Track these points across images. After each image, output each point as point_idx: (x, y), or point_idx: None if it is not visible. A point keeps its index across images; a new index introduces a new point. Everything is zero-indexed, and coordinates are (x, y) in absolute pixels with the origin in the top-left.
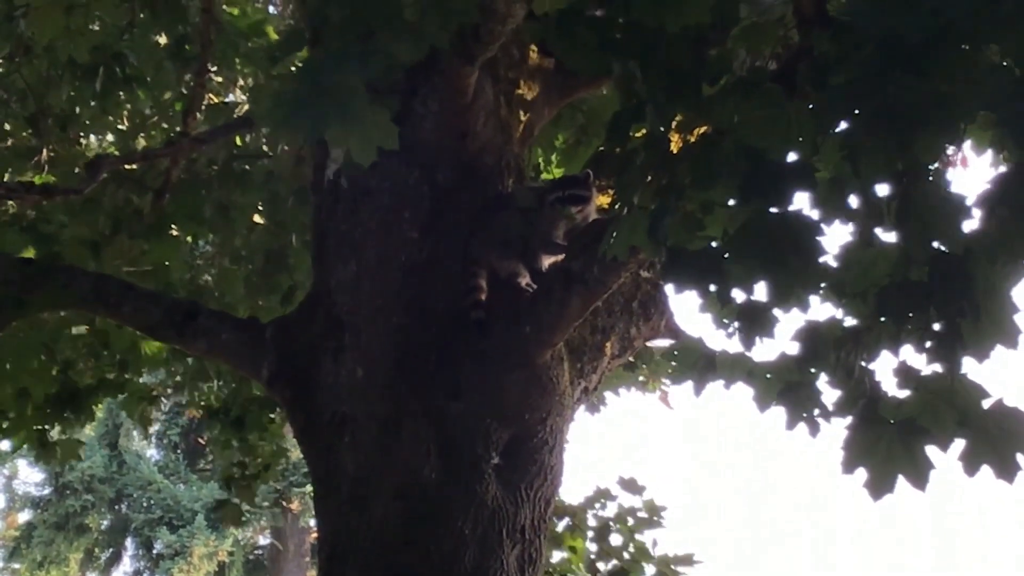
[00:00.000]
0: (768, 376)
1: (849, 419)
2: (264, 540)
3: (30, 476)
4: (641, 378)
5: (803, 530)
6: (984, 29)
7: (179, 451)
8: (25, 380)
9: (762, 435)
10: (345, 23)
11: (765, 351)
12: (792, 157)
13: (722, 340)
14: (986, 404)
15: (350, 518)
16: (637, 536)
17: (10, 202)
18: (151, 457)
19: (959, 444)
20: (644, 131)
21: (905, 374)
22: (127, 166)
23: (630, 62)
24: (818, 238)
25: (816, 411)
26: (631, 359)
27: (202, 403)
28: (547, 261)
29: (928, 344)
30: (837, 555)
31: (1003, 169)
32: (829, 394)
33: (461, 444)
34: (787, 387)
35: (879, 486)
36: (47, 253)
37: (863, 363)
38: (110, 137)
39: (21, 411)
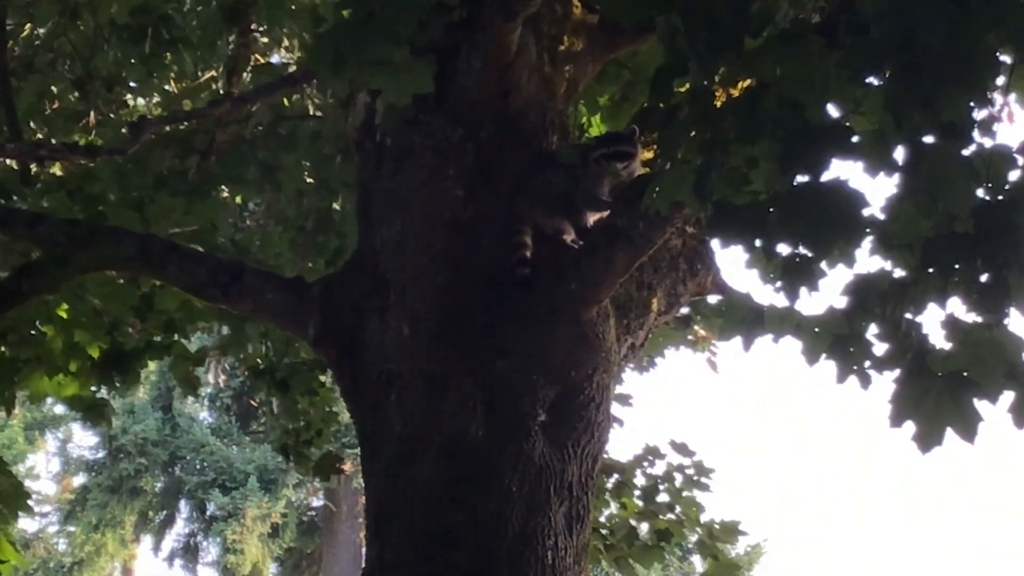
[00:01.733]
0: (816, 330)
1: (896, 373)
2: (317, 501)
3: (84, 440)
4: (690, 337)
5: (850, 488)
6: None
7: (232, 413)
8: (77, 335)
9: (812, 394)
10: None
11: (813, 305)
12: (832, 111)
13: (770, 295)
14: None
15: (397, 477)
16: (685, 494)
17: (56, 164)
18: (204, 420)
19: (1007, 396)
20: (687, 86)
21: (952, 326)
22: (172, 127)
23: (672, 14)
24: (862, 210)
25: (867, 363)
26: (684, 316)
27: (246, 364)
28: (592, 218)
29: (975, 296)
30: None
31: None
32: (879, 346)
33: (508, 401)
34: (837, 340)
35: (928, 439)
36: (93, 214)
37: (910, 316)
38: (157, 99)
39: (78, 366)
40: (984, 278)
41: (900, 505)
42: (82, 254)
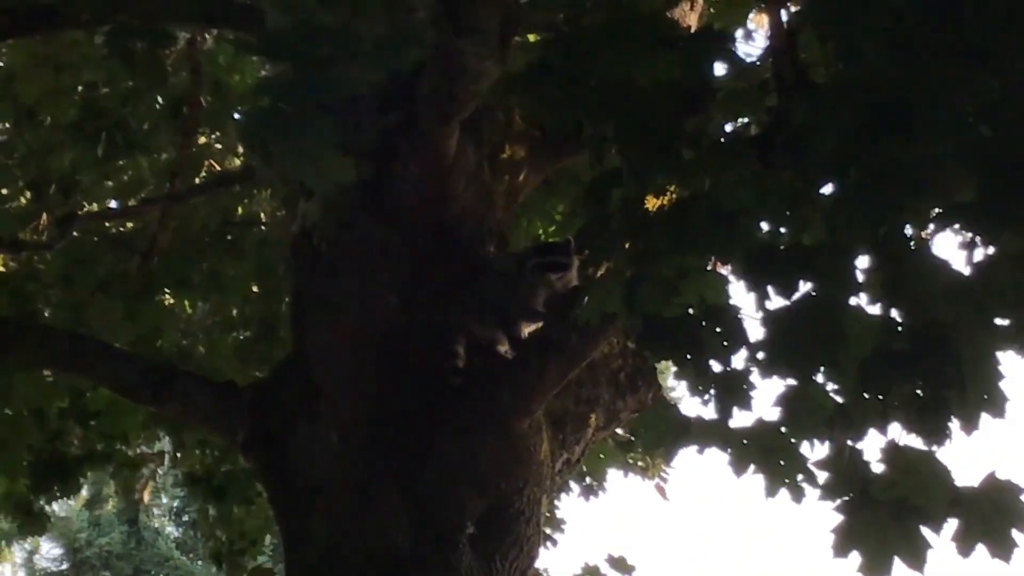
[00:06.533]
0: (745, 442)
1: (838, 502)
2: None
3: (50, 551)
4: (640, 464)
5: None
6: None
7: (197, 528)
8: (5, 433)
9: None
10: (300, 49)
11: (742, 417)
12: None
13: (697, 407)
14: (978, 479)
15: None
16: None
17: None
18: (170, 534)
19: (952, 523)
20: (621, 195)
21: (894, 453)
22: (113, 226)
23: (601, 124)
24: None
25: (800, 476)
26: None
27: (185, 471)
28: (527, 329)
29: (914, 417)
30: None
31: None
32: (820, 474)
33: (435, 513)
34: (766, 452)
35: (875, 568)
36: (25, 312)
37: (851, 443)
38: (113, 204)
39: (4, 467)
40: (923, 398)
41: None
42: (11, 353)
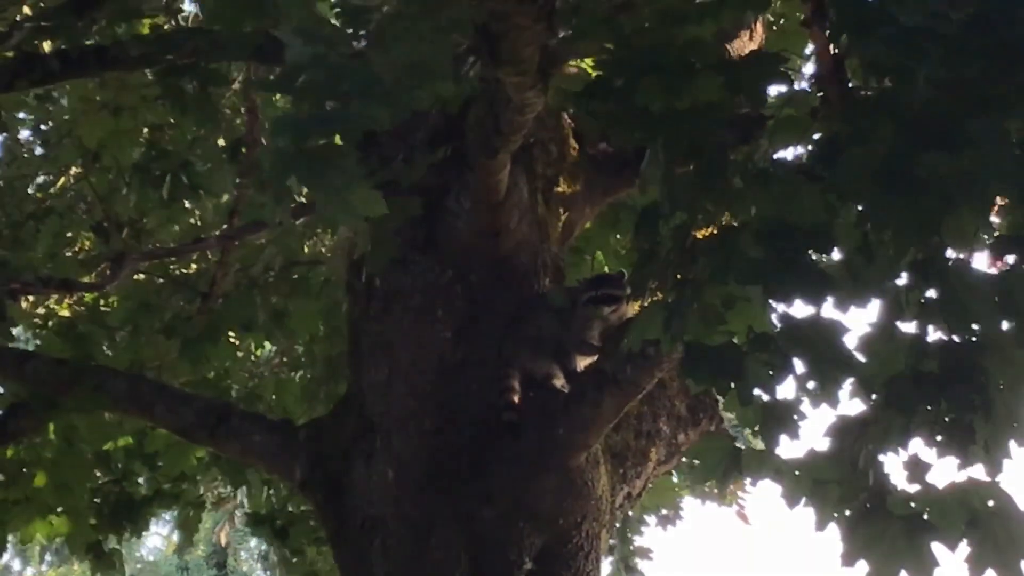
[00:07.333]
0: (797, 473)
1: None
2: None
3: None
4: (716, 490)
5: None
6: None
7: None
8: (67, 473)
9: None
10: (318, 87)
11: (794, 448)
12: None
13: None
14: (996, 505)
15: None
16: None
17: (54, 304)
18: None
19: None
20: (671, 225)
21: (915, 467)
22: (177, 268)
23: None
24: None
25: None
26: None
27: (249, 512)
28: (582, 362)
29: (938, 438)
30: None
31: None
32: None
33: (493, 549)
34: (817, 485)
35: None
36: (84, 355)
37: (869, 454)
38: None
39: (67, 507)
40: (948, 420)
41: None
42: (70, 394)
